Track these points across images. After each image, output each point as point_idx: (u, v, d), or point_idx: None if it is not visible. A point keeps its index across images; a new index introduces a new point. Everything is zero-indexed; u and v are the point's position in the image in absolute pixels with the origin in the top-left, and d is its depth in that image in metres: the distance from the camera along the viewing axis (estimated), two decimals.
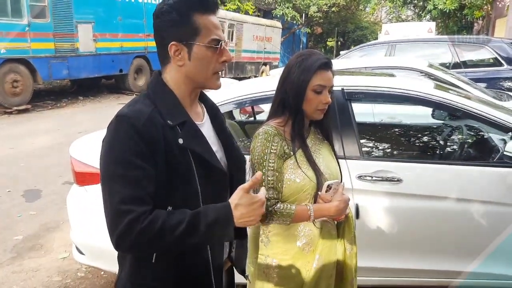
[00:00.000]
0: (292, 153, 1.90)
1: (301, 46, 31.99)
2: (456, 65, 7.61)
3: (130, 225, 1.23)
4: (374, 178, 2.75)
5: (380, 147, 3.85)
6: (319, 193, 1.89)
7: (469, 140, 3.57)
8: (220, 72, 1.44)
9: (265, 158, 1.87)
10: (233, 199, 1.33)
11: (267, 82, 3.45)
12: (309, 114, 1.93)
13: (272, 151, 1.87)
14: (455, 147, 3.68)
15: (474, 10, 19.19)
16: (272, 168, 1.87)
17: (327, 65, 1.90)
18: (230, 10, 20.50)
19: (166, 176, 1.31)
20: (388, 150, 3.87)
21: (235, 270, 1.69)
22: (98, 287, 3.59)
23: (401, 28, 15.97)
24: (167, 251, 1.35)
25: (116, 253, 1.44)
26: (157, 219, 1.25)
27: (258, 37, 20.99)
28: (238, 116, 4.60)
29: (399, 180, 2.73)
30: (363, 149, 2.98)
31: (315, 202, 1.92)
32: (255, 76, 19.84)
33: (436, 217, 2.76)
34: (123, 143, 1.28)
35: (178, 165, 1.33)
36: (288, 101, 1.92)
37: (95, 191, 2.81)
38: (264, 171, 1.86)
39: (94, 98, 14.01)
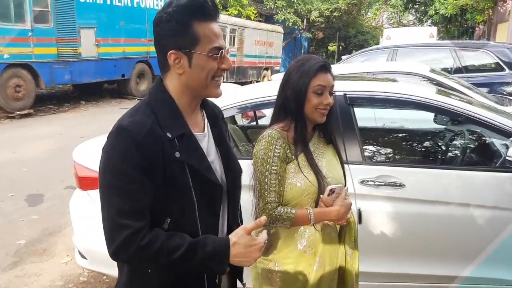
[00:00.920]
0: (294, 157, 1.91)
1: (302, 51, 32.03)
2: (457, 70, 7.62)
3: (126, 241, 1.26)
4: (376, 183, 2.75)
5: (383, 152, 3.85)
6: (321, 196, 1.90)
7: (471, 145, 3.57)
8: (219, 80, 1.43)
9: (268, 161, 1.87)
10: (233, 236, 1.35)
11: (269, 87, 3.46)
12: (311, 117, 1.93)
13: (275, 154, 1.88)
14: (457, 152, 3.68)
15: (475, 15, 19.22)
16: (275, 172, 1.87)
17: (326, 67, 1.92)
18: (231, 15, 20.55)
19: (164, 188, 1.31)
20: (391, 155, 3.87)
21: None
22: None
23: (403, 33, 15.98)
24: (160, 269, 1.37)
25: None
26: (156, 240, 1.27)
27: (260, 42, 21.04)
28: (240, 120, 4.61)
29: (401, 185, 2.73)
30: (366, 154, 2.99)
31: (317, 206, 1.92)
32: (256, 81, 19.86)
33: (439, 222, 2.75)
34: (122, 155, 1.28)
35: (175, 178, 1.33)
36: (289, 105, 1.93)
37: (98, 195, 2.81)
38: (267, 174, 1.87)
39: (96, 103, 14.04)
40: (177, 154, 1.33)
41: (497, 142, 3.25)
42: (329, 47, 35.91)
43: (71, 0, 12.23)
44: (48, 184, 6.07)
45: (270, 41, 22.00)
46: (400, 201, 2.76)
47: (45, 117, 11.48)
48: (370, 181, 2.76)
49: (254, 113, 4.28)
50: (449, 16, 19.69)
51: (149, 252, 1.27)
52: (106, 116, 11.10)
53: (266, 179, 1.87)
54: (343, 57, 11.46)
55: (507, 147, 2.84)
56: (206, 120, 1.53)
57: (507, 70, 7.41)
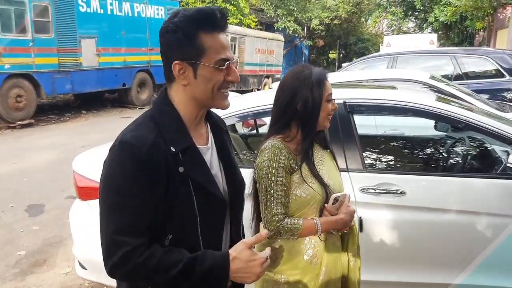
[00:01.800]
0: (297, 167, 1.90)
1: (303, 59, 32.11)
2: (458, 77, 7.62)
3: (123, 259, 1.24)
4: (377, 191, 2.74)
5: (383, 160, 3.84)
6: (326, 206, 1.90)
7: (472, 152, 3.56)
8: (227, 91, 1.40)
9: (273, 172, 1.86)
10: (232, 251, 1.32)
11: (270, 95, 3.46)
12: (323, 124, 1.97)
13: (280, 165, 1.86)
14: (458, 159, 3.66)
15: (475, 22, 19.27)
16: (280, 183, 1.86)
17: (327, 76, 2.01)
18: (232, 24, 20.63)
19: (166, 204, 1.29)
20: (391, 163, 3.86)
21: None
22: None
23: (403, 40, 16.01)
24: (159, 286, 1.34)
25: None
26: (153, 257, 1.25)
27: (261, 50, 21.08)
28: (240, 129, 4.61)
29: (402, 193, 2.72)
30: (366, 161, 2.97)
31: (321, 215, 1.92)
32: (257, 89, 19.90)
33: (440, 230, 2.74)
34: (124, 171, 1.26)
35: (178, 193, 1.30)
36: (303, 117, 1.92)
37: (98, 206, 2.80)
38: (272, 185, 1.86)
39: (97, 112, 14.07)
40: (181, 169, 1.31)
41: (498, 149, 3.24)
42: (329, 55, 36.00)
43: (72, 10, 12.32)
44: (49, 194, 6.06)
45: (270, 49, 22.04)
46: (401, 209, 2.74)
47: (46, 127, 11.50)
48: (371, 189, 2.75)
49: (255, 121, 4.27)
50: (448, 23, 19.74)
51: (146, 269, 1.24)
52: (107, 126, 11.13)
53: (272, 191, 1.86)
54: (343, 65, 11.49)
55: (508, 154, 2.83)
56: (210, 132, 1.50)
57: (507, 77, 7.41)
